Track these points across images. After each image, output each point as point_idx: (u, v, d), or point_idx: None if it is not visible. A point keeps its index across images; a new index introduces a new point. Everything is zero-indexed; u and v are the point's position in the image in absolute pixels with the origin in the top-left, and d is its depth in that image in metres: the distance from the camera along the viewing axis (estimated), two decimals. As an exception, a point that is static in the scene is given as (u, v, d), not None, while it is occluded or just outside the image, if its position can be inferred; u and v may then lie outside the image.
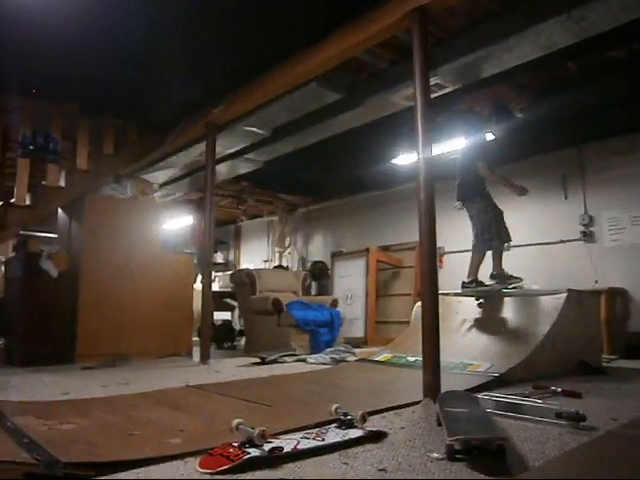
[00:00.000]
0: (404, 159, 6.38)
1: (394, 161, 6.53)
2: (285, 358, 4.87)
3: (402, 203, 7.34)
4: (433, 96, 3.61)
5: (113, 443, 1.82)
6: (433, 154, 2.88)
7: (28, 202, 4.98)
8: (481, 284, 4.30)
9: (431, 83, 3.33)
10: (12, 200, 4.93)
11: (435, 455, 1.66)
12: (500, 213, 4.32)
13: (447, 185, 4.39)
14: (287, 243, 9.71)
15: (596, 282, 5.42)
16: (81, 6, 3.48)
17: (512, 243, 4.48)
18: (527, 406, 2.29)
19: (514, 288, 4.22)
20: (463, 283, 4.31)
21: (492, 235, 4.21)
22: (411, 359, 3.70)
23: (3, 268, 5.90)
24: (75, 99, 4.99)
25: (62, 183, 5.22)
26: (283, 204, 9.43)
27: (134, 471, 1.52)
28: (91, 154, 5.36)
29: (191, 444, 1.76)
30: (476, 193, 4.35)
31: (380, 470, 1.54)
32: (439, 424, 2.00)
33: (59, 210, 5.56)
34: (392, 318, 7.15)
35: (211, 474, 1.49)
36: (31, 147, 4.99)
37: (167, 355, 5.13)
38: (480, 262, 4.34)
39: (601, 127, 5.39)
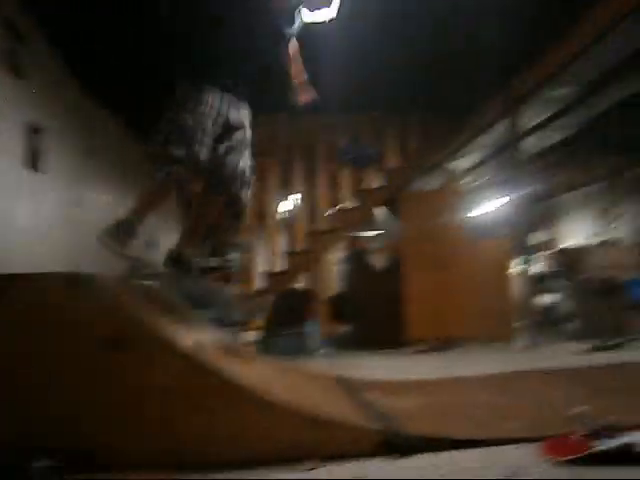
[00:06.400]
0: None
1: None
2: (628, 344, 4.26)
3: None
4: None
5: (452, 422, 1.90)
6: None
7: (353, 205, 5.64)
8: None
9: None
10: (340, 205, 5.67)
11: None
12: None
13: None
14: (615, 213, 8.49)
15: None
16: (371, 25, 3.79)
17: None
18: None
19: None
20: None
21: None
22: None
23: (341, 265, 6.81)
24: (378, 105, 5.43)
25: (378, 184, 5.74)
26: (605, 169, 8.28)
27: (475, 450, 1.55)
28: (399, 153, 5.75)
29: (529, 430, 1.69)
30: None
31: None
32: None
33: (379, 209, 6.12)
34: None
35: (556, 462, 1.41)
36: (350, 157, 5.66)
37: (491, 340, 5.08)
38: None
39: None
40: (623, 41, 3.94)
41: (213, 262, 2.90)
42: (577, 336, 5.36)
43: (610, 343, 4.21)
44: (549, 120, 5.50)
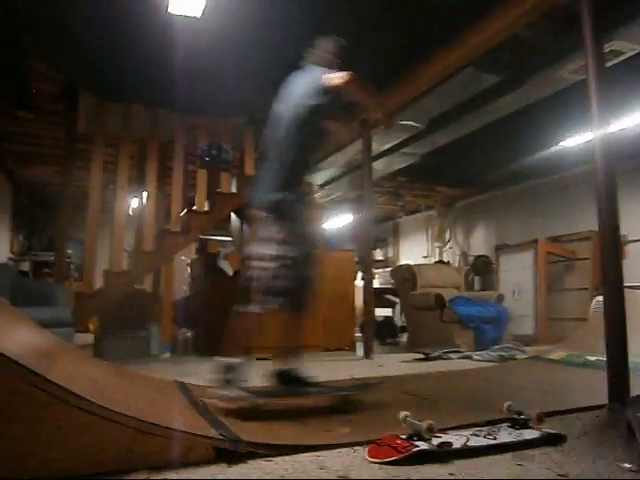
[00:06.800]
0: (574, 141, 5.82)
1: (562, 144, 5.99)
2: (449, 354, 4.75)
3: (573, 189, 6.72)
4: (608, 65, 3.23)
5: (288, 428, 1.94)
6: (611, 131, 2.57)
7: (207, 208, 5.53)
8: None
9: (605, 50, 2.97)
10: (194, 207, 5.52)
11: (627, 466, 1.48)
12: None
13: (625, 165, 3.89)
14: (447, 238, 9.46)
15: None
16: (236, 26, 3.79)
17: None
18: None
19: None
20: None
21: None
22: (591, 358, 3.36)
23: (189, 268, 6.63)
24: (241, 111, 5.42)
25: (234, 189, 5.70)
26: (442, 198, 9.21)
27: (308, 455, 1.61)
28: (257, 161, 5.78)
29: (359, 434, 1.80)
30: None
31: (561, 476, 1.42)
32: (630, 431, 1.78)
33: (232, 214, 6.08)
34: (565, 314, 6.56)
35: (379, 464, 1.52)
36: (207, 159, 5.55)
37: (332, 349, 5.32)
38: None
39: None
40: (463, 86, 4.44)
41: (47, 257, 2.63)
42: (409, 347, 5.85)
43: (435, 354, 4.65)
44: (397, 147, 5.96)
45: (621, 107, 4.73)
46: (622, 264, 2.49)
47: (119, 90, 4.88)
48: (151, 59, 4.13)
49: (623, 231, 2.59)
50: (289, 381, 2.39)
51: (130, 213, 7.13)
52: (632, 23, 3.40)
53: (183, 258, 6.75)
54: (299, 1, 3.54)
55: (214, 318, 5.08)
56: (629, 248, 6.00)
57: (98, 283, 5.02)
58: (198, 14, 3.61)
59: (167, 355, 4.94)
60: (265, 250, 2.33)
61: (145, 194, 5.63)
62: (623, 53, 3.73)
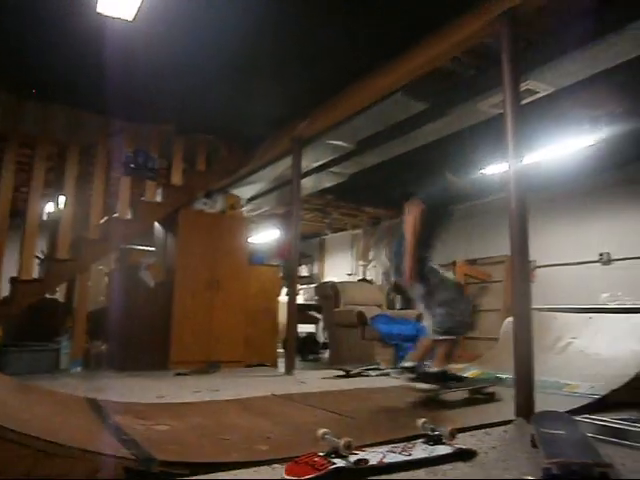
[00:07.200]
0: (492, 169, 6.16)
1: (481, 172, 6.31)
2: (369, 372, 4.82)
3: (490, 215, 7.08)
4: (524, 102, 3.46)
5: (204, 446, 1.89)
6: (524, 163, 2.77)
7: (129, 216, 5.33)
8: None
9: (521, 89, 3.18)
10: (115, 215, 5.31)
11: (530, 478, 1.56)
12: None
13: (538, 195, 4.18)
14: (371, 256, 9.66)
15: None
16: (169, 32, 3.74)
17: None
18: (634, 432, 2.10)
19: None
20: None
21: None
22: (502, 376, 3.53)
23: (107, 278, 6.34)
24: (170, 119, 5.31)
25: (159, 198, 5.54)
26: (367, 217, 9.41)
27: (225, 473, 1.57)
28: (185, 171, 5.67)
29: (277, 451, 1.78)
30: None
31: (470, 490, 1.48)
32: (534, 445, 1.89)
33: (156, 224, 5.91)
34: (480, 334, 6.88)
35: (298, 482, 1.51)
36: (132, 166, 5.37)
37: (253, 365, 5.26)
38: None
39: None
40: (392, 111, 4.59)
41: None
42: (330, 363, 5.88)
43: (355, 371, 4.71)
44: (326, 165, 6.04)
45: (533, 142, 5.08)
46: (530, 287, 2.66)
47: (38, 88, 4.63)
48: (77, 58, 3.96)
49: (533, 257, 2.77)
50: (445, 379, 3.12)
51: (45, 218, 6.74)
52: (547, 65, 3.67)
53: (101, 267, 6.45)
54: (232, 14, 3.53)
55: (132, 331, 4.90)
56: (537, 273, 6.40)
57: (5, 291, 4.69)
58: (130, 17, 3.51)
59: (79, 369, 4.68)
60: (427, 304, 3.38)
61: (63, 199, 5.35)
62: (537, 92, 4.01)
